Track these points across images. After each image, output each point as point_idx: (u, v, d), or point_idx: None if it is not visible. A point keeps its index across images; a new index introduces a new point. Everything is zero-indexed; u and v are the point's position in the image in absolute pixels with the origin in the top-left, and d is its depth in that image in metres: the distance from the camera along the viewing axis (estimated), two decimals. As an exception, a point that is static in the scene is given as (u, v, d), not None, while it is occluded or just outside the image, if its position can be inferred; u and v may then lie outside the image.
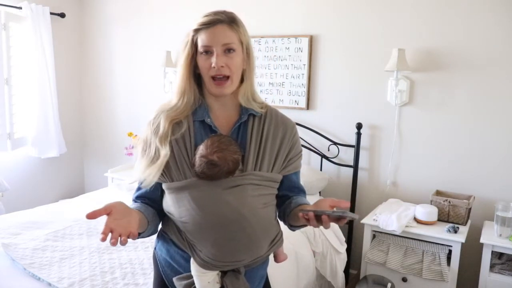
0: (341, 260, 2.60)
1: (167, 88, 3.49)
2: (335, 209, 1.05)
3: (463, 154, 2.57)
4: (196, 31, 1.16)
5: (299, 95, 2.99)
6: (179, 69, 1.20)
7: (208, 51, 1.15)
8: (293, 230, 1.31)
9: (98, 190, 3.24)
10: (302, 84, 2.98)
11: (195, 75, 1.21)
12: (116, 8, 3.73)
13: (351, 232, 2.86)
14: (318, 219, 1.07)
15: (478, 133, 2.52)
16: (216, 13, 1.16)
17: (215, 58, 1.13)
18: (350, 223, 2.85)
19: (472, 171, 2.55)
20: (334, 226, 2.60)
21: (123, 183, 3.26)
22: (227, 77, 1.15)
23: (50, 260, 1.95)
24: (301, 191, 1.31)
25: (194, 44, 1.17)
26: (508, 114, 2.43)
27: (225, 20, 1.15)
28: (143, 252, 2.08)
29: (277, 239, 1.24)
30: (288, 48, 2.98)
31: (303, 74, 2.96)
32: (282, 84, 3.04)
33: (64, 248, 2.09)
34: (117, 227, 1.01)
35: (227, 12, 1.18)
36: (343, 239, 2.66)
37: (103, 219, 1.05)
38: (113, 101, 3.87)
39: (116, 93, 3.85)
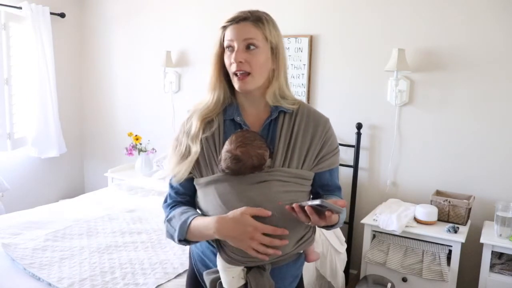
0: (341, 260, 2.60)
1: (167, 88, 3.49)
2: (322, 200, 1.00)
3: (463, 154, 2.57)
4: (224, 28, 1.18)
5: (299, 95, 2.99)
6: (209, 67, 1.22)
7: (230, 47, 1.16)
8: (328, 229, 1.26)
9: (98, 190, 3.24)
10: (302, 84, 2.98)
11: (226, 73, 1.22)
12: (116, 8, 3.73)
13: (351, 232, 2.86)
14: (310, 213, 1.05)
15: (478, 133, 2.52)
16: (244, 12, 1.18)
17: (234, 53, 1.15)
18: (350, 222, 2.85)
19: (472, 171, 2.55)
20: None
21: (123, 183, 3.26)
22: (248, 73, 1.16)
23: (50, 260, 1.95)
24: (335, 189, 1.28)
25: (221, 42, 1.19)
26: (508, 114, 2.43)
27: (249, 18, 1.17)
28: (143, 252, 2.08)
29: (306, 238, 1.21)
30: (288, 48, 2.98)
31: (303, 74, 2.96)
32: (282, 84, 3.04)
33: (64, 248, 2.09)
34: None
35: (255, 11, 1.19)
36: (343, 239, 2.66)
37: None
38: (113, 101, 3.87)
39: (116, 93, 3.85)
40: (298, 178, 1.19)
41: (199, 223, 1.15)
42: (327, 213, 1.03)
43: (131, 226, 2.40)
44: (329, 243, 2.49)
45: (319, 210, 1.03)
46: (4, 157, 3.43)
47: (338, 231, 2.62)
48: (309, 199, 1.26)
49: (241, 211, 1.08)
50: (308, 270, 2.28)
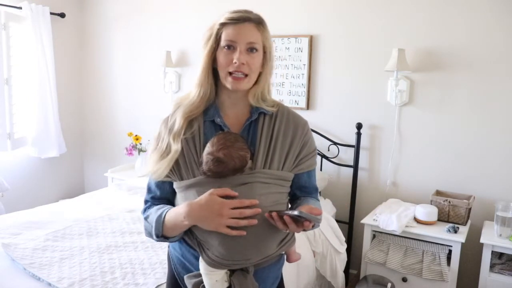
0: (341, 260, 2.60)
1: (167, 88, 3.49)
2: (299, 211, 1.03)
3: (463, 154, 2.57)
4: (223, 25, 1.17)
5: (299, 95, 2.99)
6: (200, 62, 1.20)
7: (230, 46, 1.15)
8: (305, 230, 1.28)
9: (98, 190, 3.23)
10: (302, 84, 2.98)
11: (213, 69, 1.21)
12: (116, 8, 3.73)
13: (351, 232, 2.86)
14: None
15: (478, 133, 2.52)
16: (245, 11, 1.17)
17: (238, 54, 1.13)
18: (350, 222, 2.85)
19: (472, 171, 2.55)
20: (334, 225, 2.60)
21: (123, 183, 3.26)
22: (245, 75, 1.16)
23: (50, 260, 1.95)
24: (312, 190, 1.29)
25: (217, 38, 1.18)
26: (508, 114, 2.43)
27: (253, 19, 1.16)
28: (143, 252, 2.08)
29: (288, 239, 1.22)
30: (288, 48, 2.98)
31: (303, 74, 2.96)
32: (282, 84, 3.04)
33: (64, 248, 2.09)
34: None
35: (256, 13, 1.19)
36: (343, 239, 2.65)
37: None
38: (113, 101, 3.87)
39: (116, 93, 3.85)
40: (279, 179, 1.19)
41: (172, 214, 1.15)
42: (305, 223, 1.05)
43: (131, 226, 2.40)
44: (329, 243, 2.49)
45: (297, 220, 1.05)
46: (4, 157, 3.43)
47: (338, 231, 2.62)
48: (288, 202, 1.27)
49: (208, 192, 1.10)
50: (308, 270, 2.28)
